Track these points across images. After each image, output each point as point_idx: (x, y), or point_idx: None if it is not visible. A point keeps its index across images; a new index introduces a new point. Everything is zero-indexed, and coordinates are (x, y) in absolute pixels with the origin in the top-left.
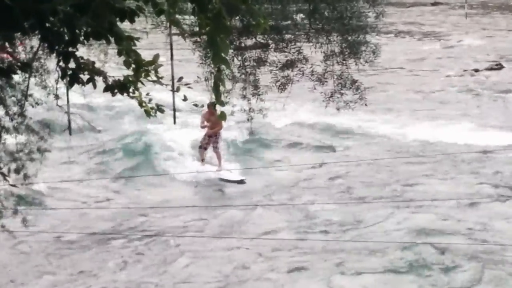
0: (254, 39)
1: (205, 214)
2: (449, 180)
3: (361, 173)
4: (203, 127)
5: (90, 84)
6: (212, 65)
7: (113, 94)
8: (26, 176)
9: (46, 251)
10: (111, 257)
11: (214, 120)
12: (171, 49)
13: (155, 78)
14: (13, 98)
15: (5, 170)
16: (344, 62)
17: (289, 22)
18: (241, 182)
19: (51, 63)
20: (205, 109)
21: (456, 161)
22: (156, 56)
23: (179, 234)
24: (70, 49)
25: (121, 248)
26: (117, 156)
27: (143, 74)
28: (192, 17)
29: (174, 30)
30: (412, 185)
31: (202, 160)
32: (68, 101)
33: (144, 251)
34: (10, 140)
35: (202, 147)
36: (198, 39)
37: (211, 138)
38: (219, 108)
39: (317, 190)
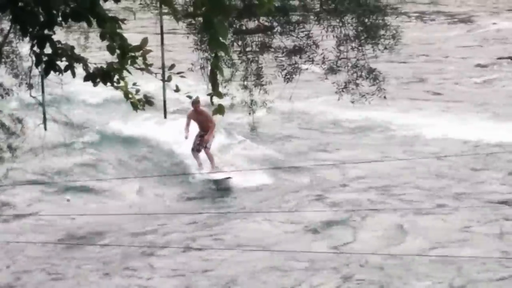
0: (256, 21)
1: None
2: None
3: None
4: (186, 136)
5: (69, 72)
6: (209, 51)
7: (95, 84)
8: None
9: None
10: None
11: (202, 120)
12: (162, 32)
13: (143, 66)
14: None
15: None
16: (360, 48)
17: (297, 1)
18: (227, 178)
19: (24, 48)
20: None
21: None
22: (144, 41)
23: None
24: (46, 32)
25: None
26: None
27: (129, 61)
28: None
29: (165, 10)
30: None
31: (199, 164)
32: (43, 92)
33: None
34: None
35: (195, 149)
36: (193, 21)
37: (203, 137)
38: (216, 100)
39: None
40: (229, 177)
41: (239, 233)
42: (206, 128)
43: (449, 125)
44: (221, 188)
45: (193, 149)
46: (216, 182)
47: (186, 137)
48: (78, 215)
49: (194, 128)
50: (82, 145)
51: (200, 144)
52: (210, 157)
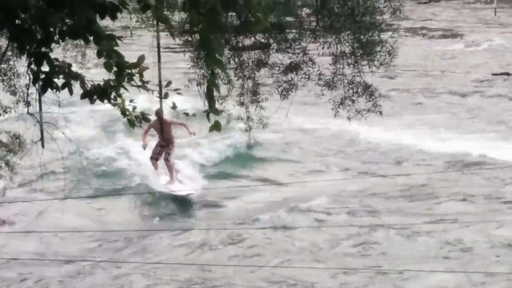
0: (253, 38)
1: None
2: None
3: None
4: (144, 146)
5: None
6: (205, 68)
7: (92, 101)
8: None
9: None
10: None
11: (164, 130)
12: (158, 49)
13: (139, 83)
14: None
15: None
16: (356, 64)
17: (293, 18)
18: (188, 195)
19: (22, 65)
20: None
21: None
22: (141, 58)
23: None
24: (43, 49)
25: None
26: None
27: (126, 78)
28: (182, 13)
29: (162, 27)
30: None
31: (156, 168)
32: (40, 109)
33: None
34: None
35: (154, 158)
36: (189, 38)
37: (163, 148)
38: (212, 117)
39: None
40: (191, 193)
41: None
42: (167, 139)
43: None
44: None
45: (151, 158)
46: (176, 198)
47: (144, 148)
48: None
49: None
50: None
51: (160, 153)
52: (169, 169)
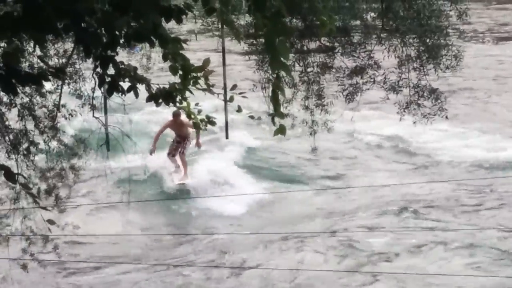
0: (318, 42)
1: None
2: None
3: None
4: (152, 152)
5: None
6: (270, 71)
7: (157, 104)
8: (58, 198)
9: None
10: None
11: (182, 129)
12: (223, 53)
13: (204, 86)
14: (43, 109)
15: (34, 190)
16: (421, 68)
17: (358, 22)
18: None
19: (87, 69)
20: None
21: None
22: (206, 61)
23: None
24: (109, 53)
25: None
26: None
27: (191, 82)
28: (247, 16)
29: (227, 31)
30: None
31: (177, 166)
32: (106, 112)
33: None
34: (40, 157)
35: (171, 154)
36: (254, 42)
37: (179, 144)
38: (277, 121)
39: None
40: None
41: None
42: (184, 136)
43: None
44: None
45: (169, 154)
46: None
47: (152, 153)
48: None
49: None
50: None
51: (176, 149)
52: (184, 163)
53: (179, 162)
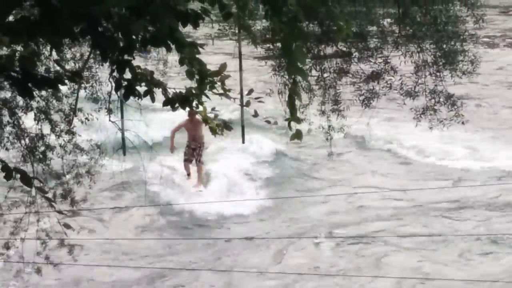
0: (334, 47)
1: None
2: None
3: None
4: (172, 150)
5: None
6: (287, 76)
7: (174, 109)
8: (74, 202)
9: None
10: None
11: (196, 130)
12: (240, 58)
13: (221, 91)
14: (59, 113)
15: (50, 194)
16: (438, 73)
17: (375, 27)
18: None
19: (104, 73)
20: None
21: None
22: (223, 66)
23: None
24: (125, 57)
25: None
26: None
27: (208, 86)
28: (264, 21)
29: (244, 36)
30: None
31: (188, 174)
32: (122, 116)
33: None
34: (56, 161)
35: (188, 160)
36: (271, 46)
37: (195, 150)
38: (294, 125)
39: None
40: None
41: None
42: (198, 138)
43: None
44: None
45: (185, 160)
46: None
47: (172, 151)
48: None
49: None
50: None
51: (192, 155)
52: (200, 171)
53: (192, 169)
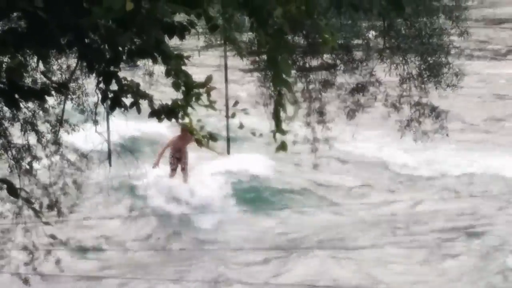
0: (320, 59)
1: None
2: None
3: None
4: (156, 165)
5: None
6: (272, 88)
7: (160, 120)
8: (60, 213)
9: None
10: None
11: (183, 145)
12: (226, 69)
13: (207, 103)
14: (46, 123)
15: (36, 205)
16: (422, 86)
17: (360, 39)
18: None
19: (90, 84)
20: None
21: None
22: (209, 78)
23: None
24: (112, 68)
25: None
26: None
27: (193, 98)
28: (250, 33)
29: (229, 48)
30: None
31: (172, 176)
32: (108, 128)
33: None
34: (43, 171)
35: (174, 170)
36: (257, 58)
37: (179, 160)
38: (279, 137)
39: None
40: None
41: None
42: (183, 150)
43: None
44: None
45: (172, 170)
46: None
47: (154, 166)
48: None
49: None
50: None
51: (176, 164)
52: (185, 175)
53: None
